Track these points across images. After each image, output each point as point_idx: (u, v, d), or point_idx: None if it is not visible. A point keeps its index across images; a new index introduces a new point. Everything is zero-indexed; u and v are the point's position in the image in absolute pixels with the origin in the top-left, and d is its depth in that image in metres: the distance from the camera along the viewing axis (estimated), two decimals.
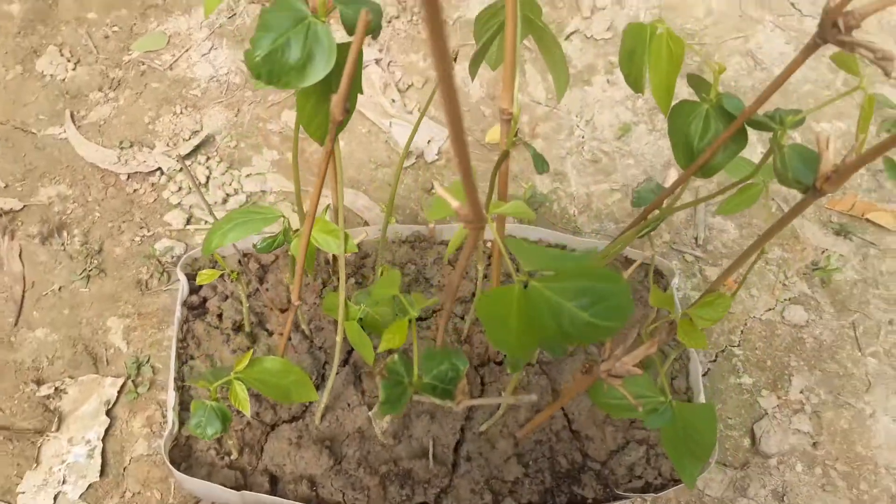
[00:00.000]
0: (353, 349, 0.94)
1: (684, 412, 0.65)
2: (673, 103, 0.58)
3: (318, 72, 0.45)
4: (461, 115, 0.28)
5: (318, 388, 0.93)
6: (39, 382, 1.01)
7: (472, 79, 0.65)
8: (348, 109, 0.41)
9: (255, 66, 0.45)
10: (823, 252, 1.20)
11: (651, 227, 0.65)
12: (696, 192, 1.22)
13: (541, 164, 0.57)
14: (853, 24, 0.37)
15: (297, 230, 0.71)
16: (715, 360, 1.11)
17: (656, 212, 0.66)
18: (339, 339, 0.75)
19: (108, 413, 0.99)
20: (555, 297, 0.48)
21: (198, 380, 0.69)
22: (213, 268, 0.82)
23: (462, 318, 0.99)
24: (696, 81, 0.56)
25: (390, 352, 0.65)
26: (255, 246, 0.72)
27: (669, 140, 0.56)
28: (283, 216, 0.70)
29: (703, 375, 1.09)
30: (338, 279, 1.00)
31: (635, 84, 0.54)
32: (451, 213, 0.52)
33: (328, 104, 0.52)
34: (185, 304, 0.96)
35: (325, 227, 0.69)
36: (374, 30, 0.48)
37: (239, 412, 0.76)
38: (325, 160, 0.51)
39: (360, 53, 0.41)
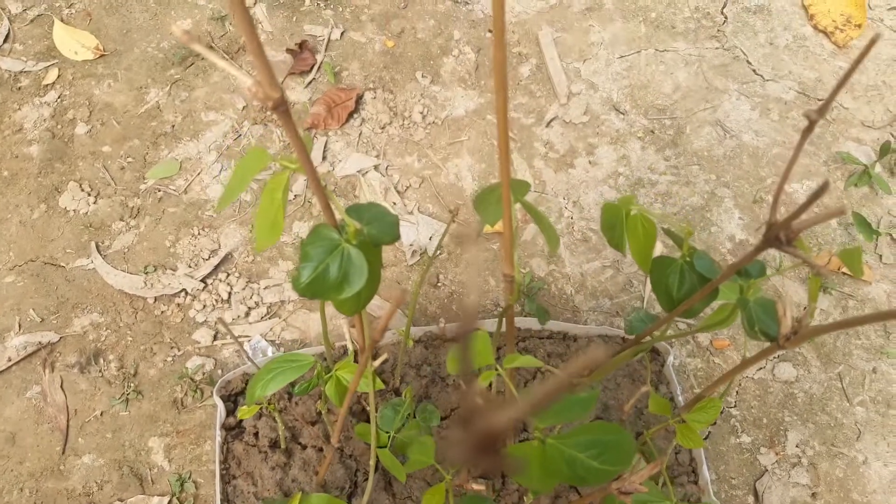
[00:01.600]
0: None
1: None
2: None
3: (354, 286, 0.54)
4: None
5: (351, 495, 1.01)
6: None
7: (475, 240, 0.75)
8: (384, 332, 0.49)
9: (302, 290, 0.53)
10: (804, 309, 1.29)
11: (644, 350, 0.74)
12: None
13: (543, 315, 0.66)
14: (793, 238, 0.46)
15: (328, 373, 0.80)
16: (714, 424, 1.19)
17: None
18: (371, 462, 0.84)
19: None
20: (569, 451, 0.57)
21: None
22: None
23: None
24: (671, 235, 0.65)
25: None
26: (292, 388, 0.81)
27: (653, 290, 0.65)
28: (317, 361, 0.79)
29: (705, 439, 1.17)
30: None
31: (618, 247, 0.63)
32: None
33: (356, 294, 0.61)
34: (223, 426, 1.04)
35: (354, 369, 0.78)
36: (395, 240, 0.57)
37: None
38: (363, 365, 0.59)
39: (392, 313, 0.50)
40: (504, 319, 0.67)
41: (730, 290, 0.72)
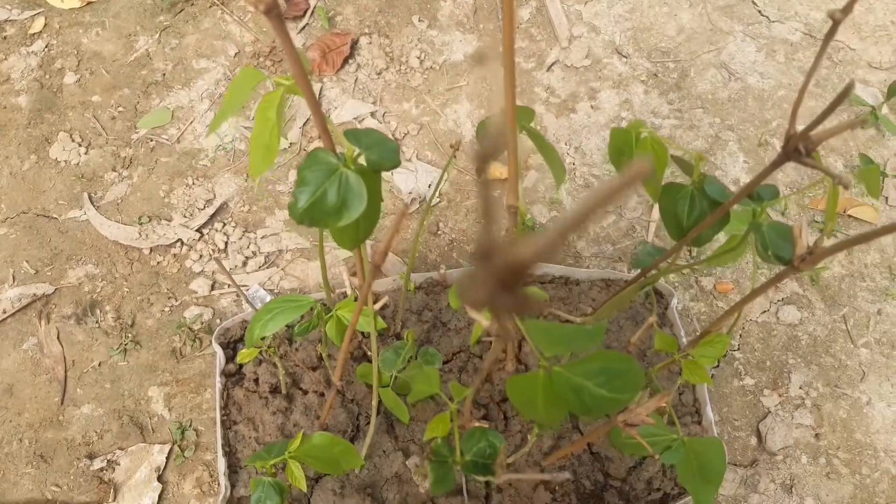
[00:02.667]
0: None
1: (695, 446, 0.72)
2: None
3: (353, 213, 0.52)
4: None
5: (354, 439, 1.00)
6: (92, 457, 1.08)
7: (479, 177, 0.72)
8: (387, 254, 0.47)
9: (300, 217, 0.51)
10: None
11: (650, 284, 0.72)
12: None
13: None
14: (812, 149, 0.44)
15: (328, 313, 0.78)
16: (717, 366, 1.19)
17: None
18: (374, 403, 0.83)
19: (159, 479, 1.06)
20: (576, 379, 0.56)
21: (254, 460, 0.76)
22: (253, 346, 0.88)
23: (481, 357, 1.06)
24: (680, 163, 0.63)
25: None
26: (293, 331, 0.79)
27: (661, 218, 0.63)
28: (316, 303, 0.77)
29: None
30: (361, 334, 1.07)
31: None
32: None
33: (356, 224, 0.59)
34: (223, 373, 1.03)
35: (355, 309, 0.76)
36: (395, 166, 0.55)
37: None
38: (364, 294, 0.58)
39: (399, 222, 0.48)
40: None
41: (739, 220, 0.70)
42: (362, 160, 0.55)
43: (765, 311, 1.23)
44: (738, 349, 1.20)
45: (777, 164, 0.47)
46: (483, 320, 0.50)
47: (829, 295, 1.24)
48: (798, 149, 0.45)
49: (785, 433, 1.13)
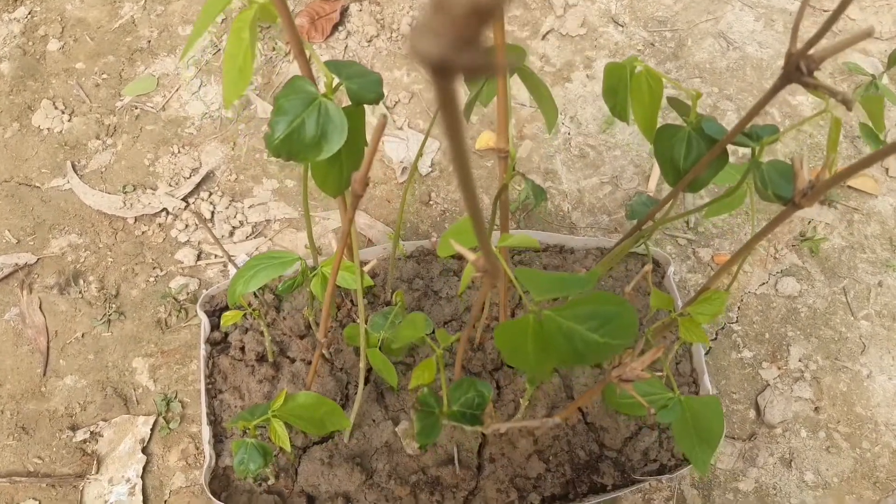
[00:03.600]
0: (372, 368, 0.99)
1: (692, 405, 0.70)
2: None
3: (333, 146, 0.50)
4: (476, 199, 0.31)
5: (343, 407, 0.98)
6: (74, 428, 1.06)
7: (467, 121, 0.69)
8: (367, 183, 0.45)
9: (275, 148, 0.49)
10: (809, 222, 1.25)
11: (646, 237, 0.69)
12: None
13: (539, 195, 0.62)
14: (814, 67, 0.41)
15: (314, 270, 0.75)
16: (716, 339, 1.16)
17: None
18: (361, 365, 0.80)
19: (143, 451, 1.04)
20: (567, 323, 0.53)
21: (236, 421, 0.73)
22: (237, 308, 0.86)
23: (473, 326, 1.03)
24: (676, 104, 0.60)
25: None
26: (275, 290, 0.76)
27: (656, 160, 0.60)
28: (301, 259, 0.74)
29: (706, 354, 1.14)
30: (350, 302, 1.04)
31: (620, 116, 0.59)
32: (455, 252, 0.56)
33: (338, 164, 0.56)
34: (208, 341, 1.00)
35: (341, 265, 0.73)
36: (378, 99, 0.52)
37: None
38: (347, 227, 0.55)
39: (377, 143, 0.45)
40: (498, 202, 0.62)
41: (735, 170, 0.67)
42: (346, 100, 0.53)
43: (763, 284, 1.21)
44: (737, 321, 1.18)
45: (778, 87, 0.44)
46: (469, 254, 0.48)
47: (829, 266, 1.22)
48: (799, 67, 0.42)
49: (784, 406, 1.11)
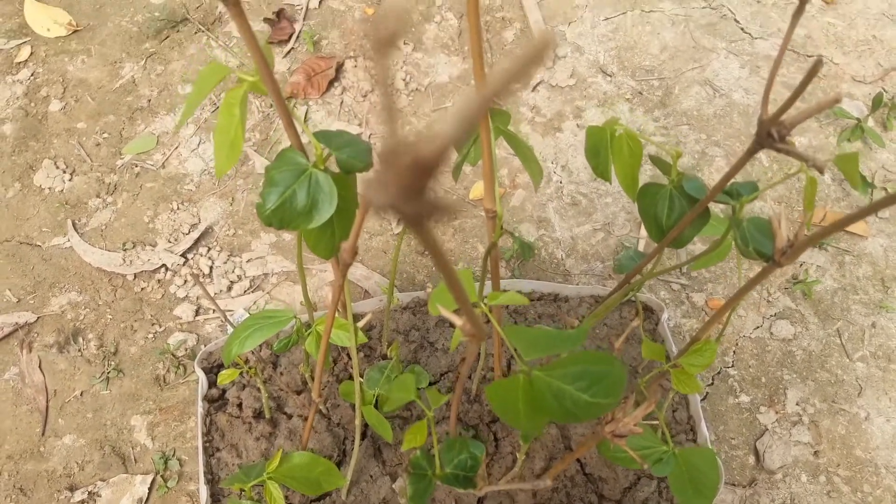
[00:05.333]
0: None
1: (687, 457, 0.70)
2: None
3: (324, 214, 0.51)
4: (455, 276, 0.33)
5: (340, 464, 0.98)
6: (73, 489, 1.05)
7: (455, 180, 0.71)
8: (356, 252, 0.46)
9: (267, 218, 0.50)
10: (801, 265, 1.27)
11: (635, 290, 0.71)
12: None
13: (527, 252, 0.63)
14: (785, 133, 0.43)
15: (308, 329, 0.76)
16: (712, 384, 1.17)
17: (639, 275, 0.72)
18: (357, 422, 0.80)
19: None
20: (556, 383, 0.54)
21: (232, 481, 0.73)
22: (233, 366, 0.87)
23: (469, 377, 1.04)
24: (658, 162, 0.62)
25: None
26: (271, 346, 0.77)
27: (640, 217, 0.62)
28: (296, 317, 0.75)
29: (703, 400, 1.14)
30: (347, 355, 1.05)
31: (603, 175, 0.60)
32: (451, 307, 0.58)
33: (330, 229, 0.58)
34: (205, 398, 1.01)
35: (336, 323, 0.74)
36: (369, 167, 0.54)
37: None
38: (337, 294, 0.56)
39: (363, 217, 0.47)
40: (488, 259, 0.64)
41: (719, 223, 0.69)
42: (335, 166, 0.54)
43: (758, 327, 1.21)
44: (733, 366, 1.18)
45: (751, 151, 0.46)
46: (456, 319, 0.49)
47: (822, 309, 1.23)
48: (771, 134, 0.44)
49: (783, 451, 1.11)
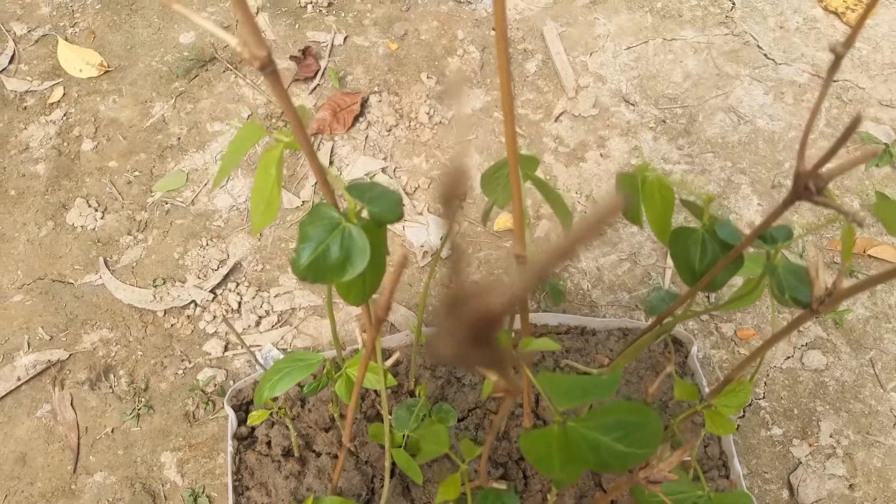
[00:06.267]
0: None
1: (723, 501, 0.69)
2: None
3: (357, 268, 0.52)
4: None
5: (369, 501, 0.98)
6: None
7: (485, 225, 0.72)
8: (389, 307, 0.47)
9: (302, 273, 0.51)
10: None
11: (667, 331, 0.70)
12: None
13: (557, 296, 0.63)
14: (822, 186, 0.43)
15: (338, 370, 0.77)
16: (743, 416, 1.15)
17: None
18: (387, 464, 0.80)
19: None
20: (592, 434, 0.54)
21: None
22: (263, 408, 0.87)
23: (496, 412, 1.04)
24: (689, 206, 0.62)
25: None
26: (300, 385, 0.78)
27: (672, 261, 0.62)
28: (326, 360, 0.76)
29: (734, 434, 1.13)
30: (375, 393, 1.05)
31: (634, 220, 0.60)
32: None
33: (361, 280, 0.58)
34: (235, 436, 1.01)
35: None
36: (399, 219, 0.54)
37: None
38: (370, 346, 0.57)
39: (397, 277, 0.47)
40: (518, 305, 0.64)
41: (754, 263, 0.68)
42: (366, 214, 0.55)
43: (789, 357, 1.20)
44: (764, 397, 1.17)
45: (787, 203, 0.46)
46: (491, 375, 0.49)
47: (854, 338, 1.21)
48: (808, 187, 0.44)
49: (818, 485, 1.09)
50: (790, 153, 1.38)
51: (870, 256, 1.28)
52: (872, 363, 1.19)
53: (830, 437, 1.13)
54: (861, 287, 0.48)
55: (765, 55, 1.50)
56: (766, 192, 1.33)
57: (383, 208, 0.54)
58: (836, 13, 1.54)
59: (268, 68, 0.40)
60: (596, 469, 0.53)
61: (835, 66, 0.41)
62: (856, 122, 0.41)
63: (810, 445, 1.12)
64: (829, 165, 0.46)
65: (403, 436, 0.81)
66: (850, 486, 1.09)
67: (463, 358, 0.16)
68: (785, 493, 1.08)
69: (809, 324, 1.22)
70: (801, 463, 1.11)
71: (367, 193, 0.56)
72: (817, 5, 1.56)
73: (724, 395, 0.73)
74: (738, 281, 1.17)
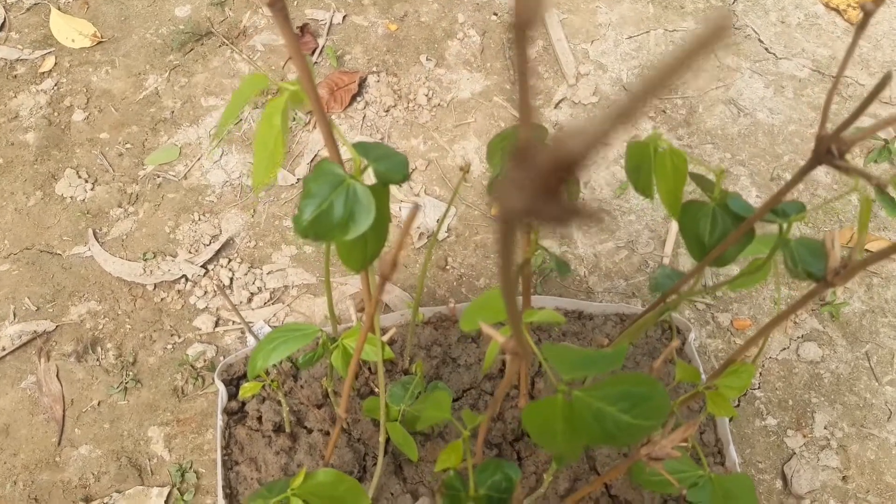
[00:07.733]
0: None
1: (723, 484, 0.68)
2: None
3: (361, 226, 0.50)
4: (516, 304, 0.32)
5: (360, 480, 0.96)
6: (88, 500, 1.04)
7: (490, 196, 0.70)
8: (396, 265, 0.45)
9: (304, 230, 0.49)
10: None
11: (672, 308, 0.69)
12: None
13: (563, 268, 0.62)
14: (845, 150, 0.42)
15: (334, 343, 0.75)
16: (738, 405, 1.14)
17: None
18: (381, 439, 0.79)
19: None
20: (597, 404, 0.52)
21: (254, 498, 0.72)
22: (256, 379, 0.85)
23: (491, 394, 1.02)
24: (699, 180, 0.61)
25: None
26: (292, 359, 0.76)
27: (682, 236, 0.61)
28: (321, 331, 0.74)
29: (730, 422, 1.12)
30: (368, 370, 1.03)
31: (644, 192, 0.59)
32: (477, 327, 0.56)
33: (363, 242, 0.57)
34: (225, 410, 1.00)
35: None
36: (405, 179, 0.53)
37: None
38: (373, 308, 0.55)
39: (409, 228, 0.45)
40: (520, 277, 0.63)
41: (762, 243, 0.67)
42: (371, 175, 0.53)
43: (784, 349, 1.19)
44: (759, 388, 1.16)
45: (808, 168, 0.44)
46: (498, 336, 0.47)
47: (850, 331, 1.21)
48: (830, 150, 0.42)
49: (811, 476, 1.08)
50: (789, 146, 1.37)
51: (866, 250, 1.28)
52: (868, 356, 1.18)
53: (825, 428, 1.12)
54: (876, 257, 0.47)
55: (766, 49, 1.50)
56: (765, 185, 1.33)
57: (389, 168, 0.53)
58: (836, 10, 1.54)
59: (276, 4, 0.38)
60: (600, 442, 0.52)
61: (864, 22, 0.40)
62: (886, 79, 0.40)
63: (804, 437, 1.12)
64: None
65: (398, 411, 0.80)
66: (844, 477, 1.09)
67: (534, 211, 0.15)
68: (778, 483, 1.08)
69: (806, 316, 1.22)
70: (795, 454, 1.10)
71: (372, 152, 0.54)
72: (818, 1, 1.56)
73: (727, 375, 0.72)
74: (737, 267, 1.15)
